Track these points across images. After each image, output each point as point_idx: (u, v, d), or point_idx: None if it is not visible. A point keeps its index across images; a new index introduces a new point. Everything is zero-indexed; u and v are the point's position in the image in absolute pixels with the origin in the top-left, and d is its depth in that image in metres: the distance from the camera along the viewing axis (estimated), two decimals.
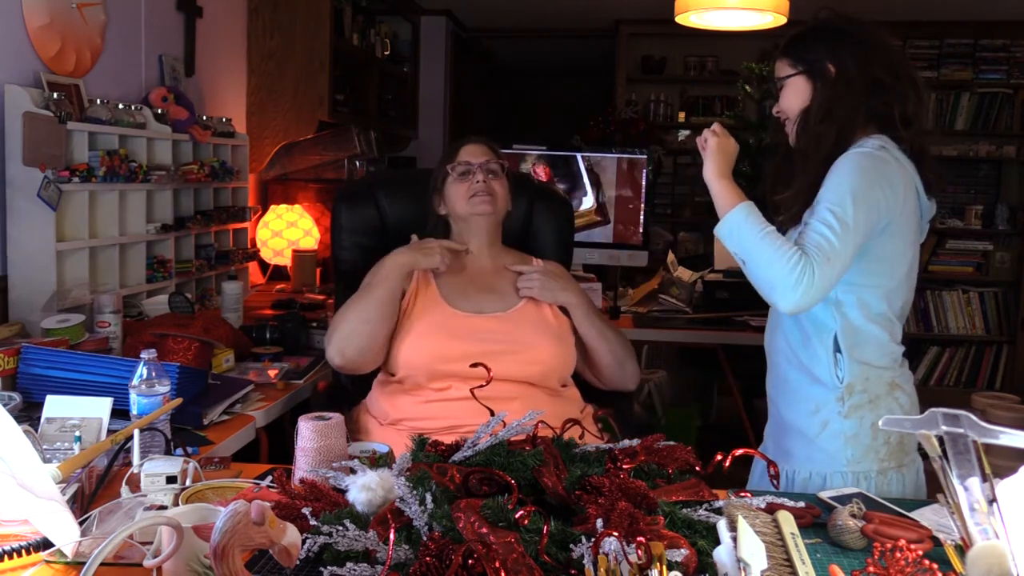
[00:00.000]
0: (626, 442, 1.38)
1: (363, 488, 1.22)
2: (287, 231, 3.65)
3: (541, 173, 3.46)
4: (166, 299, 2.61)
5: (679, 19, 3.37)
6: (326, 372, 2.35)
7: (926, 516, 1.34)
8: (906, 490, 1.73)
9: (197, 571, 1.01)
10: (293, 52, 3.84)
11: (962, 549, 1.10)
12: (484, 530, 1.07)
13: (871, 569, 1.00)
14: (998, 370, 5.85)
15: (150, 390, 1.55)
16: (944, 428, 1.15)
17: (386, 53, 5.11)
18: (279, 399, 2.12)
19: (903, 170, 1.68)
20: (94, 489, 1.38)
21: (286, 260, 3.63)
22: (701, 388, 4.62)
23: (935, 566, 1.00)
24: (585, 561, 1.05)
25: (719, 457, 1.30)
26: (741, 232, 1.65)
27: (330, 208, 2.51)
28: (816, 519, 1.32)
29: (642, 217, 3.47)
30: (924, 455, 1.42)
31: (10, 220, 2.26)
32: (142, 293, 2.69)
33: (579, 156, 3.49)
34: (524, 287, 1.96)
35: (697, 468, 1.35)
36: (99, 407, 1.58)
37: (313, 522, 1.17)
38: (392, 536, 1.05)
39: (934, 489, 1.25)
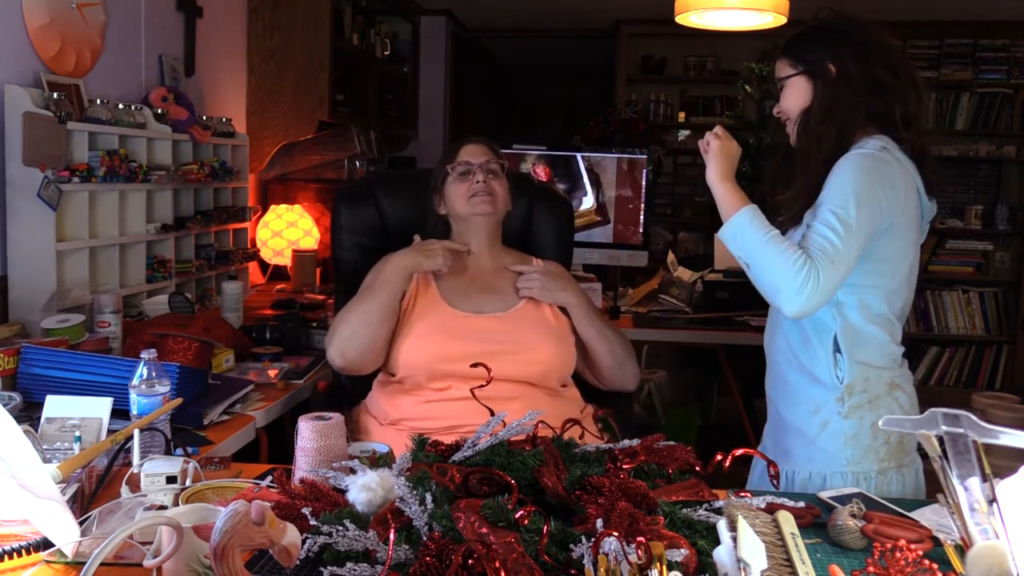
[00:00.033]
0: (626, 442, 1.38)
1: (363, 488, 1.22)
2: (287, 231, 3.65)
3: (541, 173, 3.46)
4: (166, 299, 2.61)
5: (679, 19, 3.37)
6: (326, 372, 2.35)
7: (926, 516, 1.34)
8: (906, 490, 1.73)
9: (197, 571, 1.01)
10: (293, 52, 3.84)
11: (962, 549, 1.10)
12: (484, 530, 1.07)
13: (871, 569, 1.00)
14: (998, 370, 5.85)
15: (150, 390, 1.55)
16: (944, 428, 1.15)
17: (386, 53, 5.11)
18: (279, 399, 2.12)
19: (904, 171, 1.68)
20: (94, 489, 1.38)
21: (286, 260, 3.63)
22: (701, 388, 4.62)
23: (935, 566, 1.00)
24: (585, 561, 1.05)
25: (719, 457, 1.30)
26: (745, 236, 1.64)
27: (330, 208, 2.51)
28: (816, 519, 1.32)
29: (642, 217, 3.47)
30: (924, 455, 1.42)
31: (10, 220, 2.26)
32: (142, 293, 2.69)
33: (579, 156, 3.49)
34: (524, 287, 1.96)
35: (697, 468, 1.35)
36: (99, 407, 1.58)
37: (313, 522, 1.17)
38: (392, 536, 1.05)
39: (934, 489, 1.25)
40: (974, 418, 1.14)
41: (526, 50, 7.71)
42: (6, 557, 1.14)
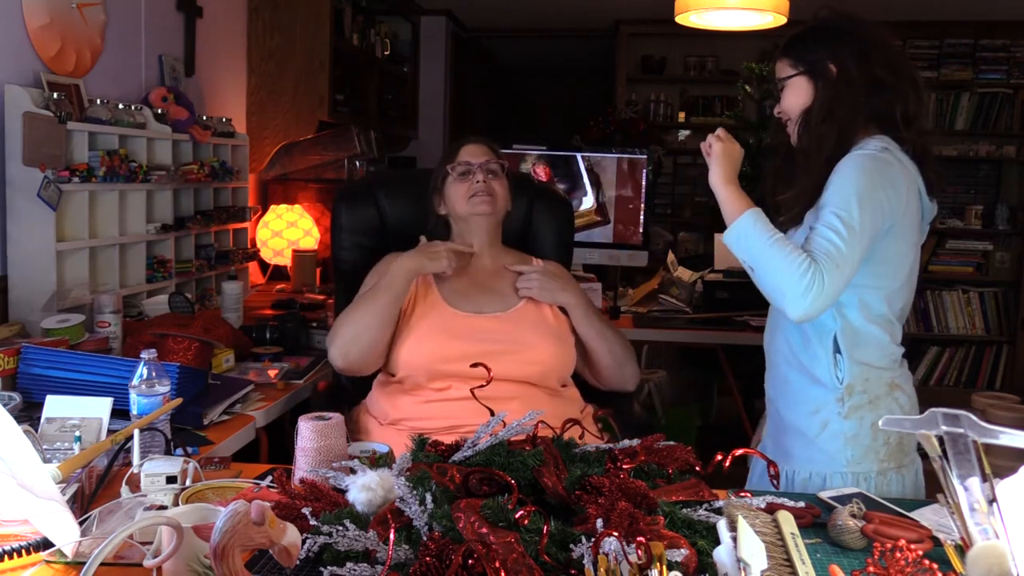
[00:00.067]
0: (626, 442, 1.38)
1: (363, 488, 1.22)
2: (287, 231, 3.65)
3: (541, 173, 3.46)
4: (166, 299, 2.61)
5: (679, 19, 3.37)
6: (326, 372, 2.35)
7: (926, 516, 1.34)
8: (906, 490, 1.72)
9: (197, 571, 1.01)
10: (293, 52, 3.84)
11: (962, 549, 1.10)
12: (484, 530, 1.07)
13: (871, 569, 1.00)
14: (998, 370, 5.85)
15: (150, 390, 1.55)
16: (944, 428, 1.15)
17: (386, 53, 5.11)
18: (279, 399, 2.12)
19: (906, 171, 1.68)
20: (94, 489, 1.38)
21: (286, 260, 3.63)
22: (701, 388, 4.63)
23: (935, 566, 1.00)
24: (585, 561, 1.05)
25: (719, 457, 1.30)
26: (749, 239, 1.64)
27: (330, 208, 2.51)
28: (816, 519, 1.32)
29: (642, 217, 3.47)
30: (924, 455, 1.42)
31: (10, 220, 2.26)
32: (142, 293, 2.69)
33: (579, 156, 3.49)
34: (523, 287, 1.96)
35: (697, 468, 1.35)
36: (99, 407, 1.58)
37: (313, 522, 1.17)
38: (392, 536, 1.05)
39: (934, 489, 1.25)
40: (974, 418, 1.14)
41: (526, 50, 7.71)
42: (6, 557, 1.14)
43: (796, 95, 1.75)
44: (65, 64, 2.47)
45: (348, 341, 1.86)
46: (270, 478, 1.33)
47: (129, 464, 1.42)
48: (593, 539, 1.05)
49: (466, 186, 1.97)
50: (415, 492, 1.18)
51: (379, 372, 1.95)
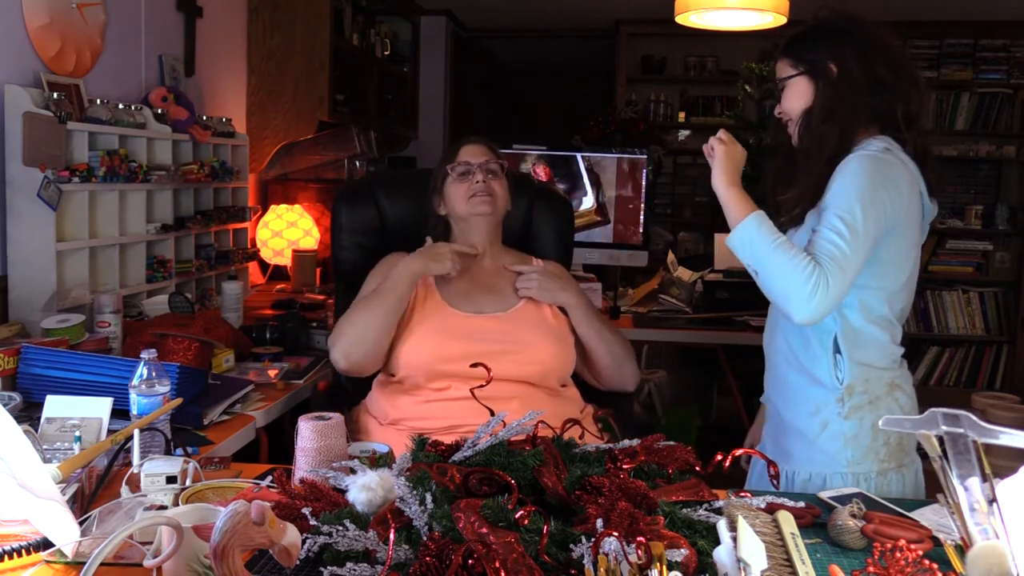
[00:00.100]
0: (626, 442, 1.38)
1: (363, 488, 1.22)
2: (287, 231, 3.65)
3: (541, 173, 3.46)
4: (166, 299, 2.61)
5: (679, 19, 3.37)
6: (326, 372, 2.35)
7: (926, 516, 1.34)
8: (906, 490, 1.72)
9: (197, 571, 1.01)
10: (293, 52, 3.84)
11: (962, 549, 1.10)
12: (484, 530, 1.07)
13: (871, 569, 1.00)
14: (998, 370, 5.85)
15: (150, 390, 1.55)
16: (944, 428, 1.15)
17: (386, 53, 5.11)
18: (279, 399, 2.12)
19: (908, 172, 1.67)
20: (94, 489, 1.38)
21: (286, 260, 3.63)
22: (701, 388, 4.63)
23: (935, 566, 1.00)
24: (585, 561, 1.05)
25: (719, 457, 1.30)
26: (753, 243, 1.63)
27: (330, 208, 2.51)
28: (816, 519, 1.32)
29: (642, 217, 3.47)
30: (923, 455, 1.42)
31: (10, 220, 2.26)
32: (142, 293, 2.69)
33: (579, 156, 3.49)
34: (522, 287, 1.96)
35: (697, 468, 1.35)
36: (99, 407, 1.58)
37: (313, 522, 1.17)
38: (392, 536, 1.05)
39: (934, 489, 1.25)
40: (974, 418, 1.14)
41: (526, 50, 7.71)
42: (6, 557, 1.14)
43: (797, 95, 1.75)
44: (65, 64, 2.47)
45: (351, 342, 1.86)
46: (270, 478, 1.33)
47: (129, 464, 1.42)
48: (593, 539, 1.05)
49: (466, 186, 1.97)
50: (415, 492, 1.18)
51: (379, 372, 1.95)
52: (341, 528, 1.12)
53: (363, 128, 4.06)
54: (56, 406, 1.57)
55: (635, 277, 4.31)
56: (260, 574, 1.12)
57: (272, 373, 2.27)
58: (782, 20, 3.24)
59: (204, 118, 3.06)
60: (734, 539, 1.01)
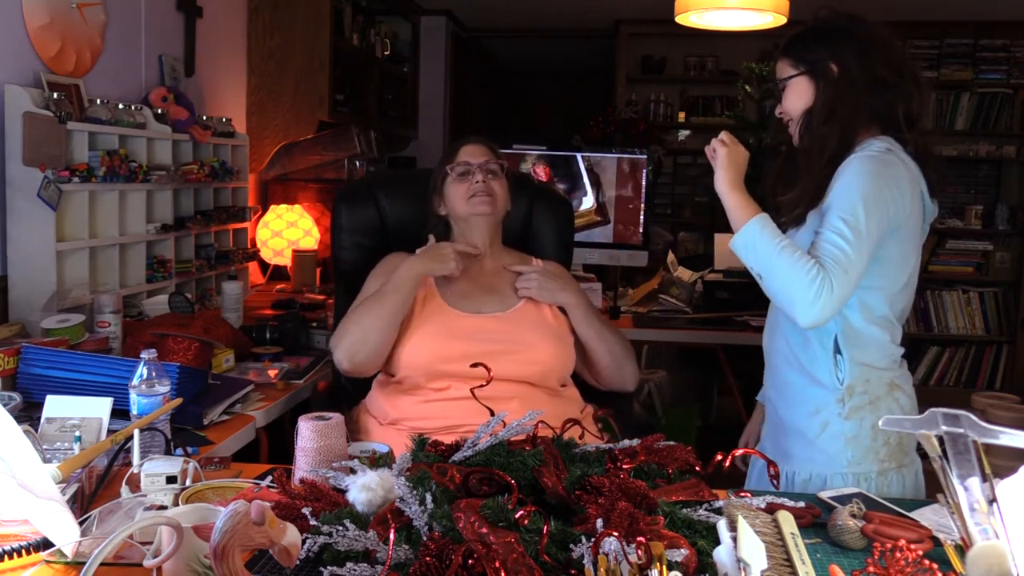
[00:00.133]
0: (626, 442, 1.38)
1: (363, 488, 1.22)
2: (287, 231, 3.65)
3: (541, 173, 3.46)
4: (166, 299, 2.61)
5: (679, 19, 3.37)
6: (326, 372, 2.35)
7: (926, 516, 1.34)
8: (906, 491, 1.72)
9: (197, 571, 1.01)
10: (293, 52, 3.84)
11: (962, 549, 1.10)
12: (484, 530, 1.07)
13: (871, 569, 1.00)
14: (998, 370, 5.85)
15: (150, 390, 1.55)
16: (944, 428, 1.15)
17: (386, 53, 5.11)
18: (279, 399, 2.12)
19: (909, 172, 1.66)
20: (94, 489, 1.38)
21: (286, 260, 3.63)
22: (701, 388, 4.63)
23: (935, 566, 1.00)
24: (585, 561, 1.05)
25: (719, 457, 1.30)
26: (757, 247, 1.62)
27: (330, 208, 2.51)
28: (816, 519, 1.32)
29: (642, 217, 3.47)
30: (923, 455, 1.42)
31: (10, 220, 2.26)
32: (142, 293, 2.69)
33: (579, 156, 3.49)
34: (522, 287, 1.96)
35: (697, 468, 1.35)
36: (99, 407, 1.58)
37: (313, 522, 1.17)
38: (392, 536, 1.05)
39: (934, 489, 1.25)
40: (974, 418, 1.14)
41: (526, 50, 7.71)
42: (6, 557, 1.14)
43: (797, 95, 1.74)
44: (65, 64, 2.47)
45: (355, 343, 1.85)
46: (270, 478, 1.33)
47: (129, 464, 1.42)
48: (593, 539, 1.05)
49: (465, 186, 1.97)
50: (415, 492, 1.18)
51: (378, 372, 1.95)
52: (341, 528, 1.12)
53: (363, 128, 4.06)
54: (56, 406, 1.57)
55: (635, 277, 4.31)
56: (260, 574, 1.12)
57: (272, 373, 2.27)
58: (782, 20, 3.24)
59: (204, 118, 3.06)
60: (734, 539, 1.01)
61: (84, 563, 0.93)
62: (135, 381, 1.55)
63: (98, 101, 2.49)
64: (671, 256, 3.80)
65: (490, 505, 1.13)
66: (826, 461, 1.72)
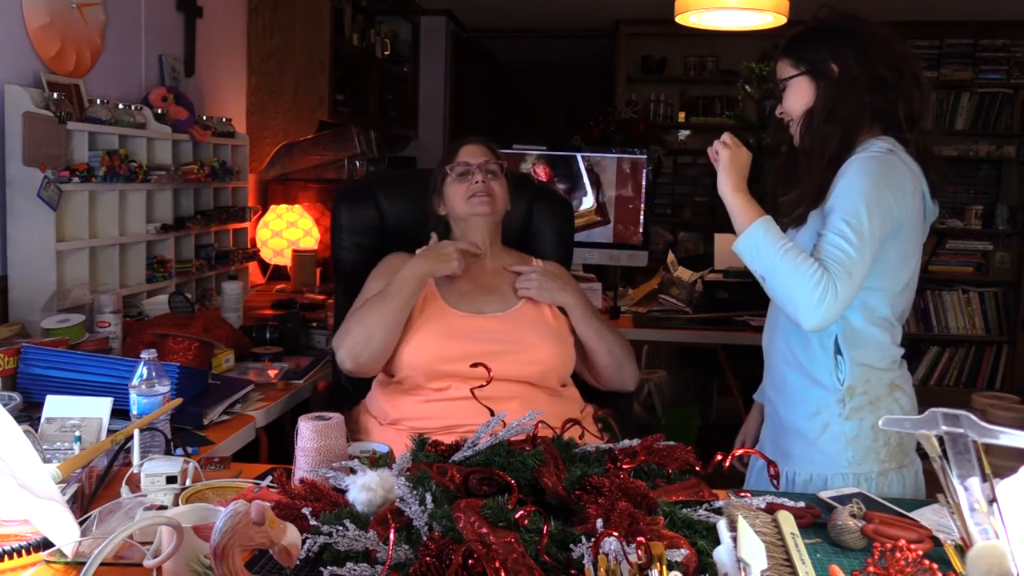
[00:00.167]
0: (626, 442, 1.38)
1: (363, 488, 1.22)
2: (287, 231, 3.65)
3: (541, 173, 3.46)
4: (166, 299, 2.61)
5: (679, 19, 3.37)
6: (326, 372, 2.35)
7: (926, 516, 1.34)
8: (906, 491, 1.72)
9: (197, 571, 1.01)
10: (293, 52, 3.84)
11: (962, 549, 1.10)
12: (484, 530, 1.07)
13: (871, 569, 1.00)
14: (998, 370, 5.85)
15: (150, 390, 1.55)
16: (944, 428, 1.15)
17: (386, 53, 5.11)
18: (279, 399, 2.12)
19: (911, 173, 1.66)
20: (94, 489, 1.38)
21: (286, 260, 3.63)
22: (701, 388, 4.63)
23: (935, 566, 1.00)
24: (585, 561, 1.05)
25: (719, 457, 1.30)
26: (760, 249, 1.62)
27: (330, 208, 2.51)
28: (816, 519, 1.32)
29: (642, 217, 3.47)
30: (923, 455, 1.42)
31: (10, 220, 2.26)
32: (142, 293, 2.69)
33: (579, 156, 3.49)
34: (522, 287, 1.96)
35: (697, 468, 1.35)
36: (99, 407, 1.58)
37: (313, 522, 1.17)
38: (392, 536, 1.06)
39: (934, 489, 1.25)
40: (974, 418, 1.14)
41: (526, 50, 7.71)
42: (6, 557, 1.14)
43: (798, 95, 1.74)
44: (65, 64, 2.47)
45: (358, 343, 1.85)
46: (270, 478, 1.33)
47: (129, 464, 1.42)
48: (593, 539, 1.05)
49: (465, 186, 1.97)
50: (415, 492, 1.18)
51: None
52: (341, 528, 1.12)
53: (363, 128, 4.06)
54: (56, 406, 1.58)
55: (635, 277, 4.31)
56: (260, 574, 1.12)
57: (272, 373, 2.27)
58: (782, 20, 3.24)
59: (204, 118, 3.06)
60: (734, 539, 1.01)
61: (84, 563, 0.93)
62: (135, 381, 1.55)
63: (98, 101, 2.49)
64: (671, 256, 3.81)
65: (490, 505, 1.13)
66: (826, 462, 1.72)
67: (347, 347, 1.86)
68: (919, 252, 1.75)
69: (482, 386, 1.48)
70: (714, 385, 4.62)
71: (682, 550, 1.07)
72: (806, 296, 1.56)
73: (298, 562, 1.06)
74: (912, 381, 1.80)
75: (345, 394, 2.09)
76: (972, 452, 1.12)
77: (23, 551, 1.15)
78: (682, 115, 6.36)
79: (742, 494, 1.31)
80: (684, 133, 6.41)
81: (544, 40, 6.94)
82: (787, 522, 1.16)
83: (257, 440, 2.02)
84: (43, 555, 1.17)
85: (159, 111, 2.79)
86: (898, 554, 1.00)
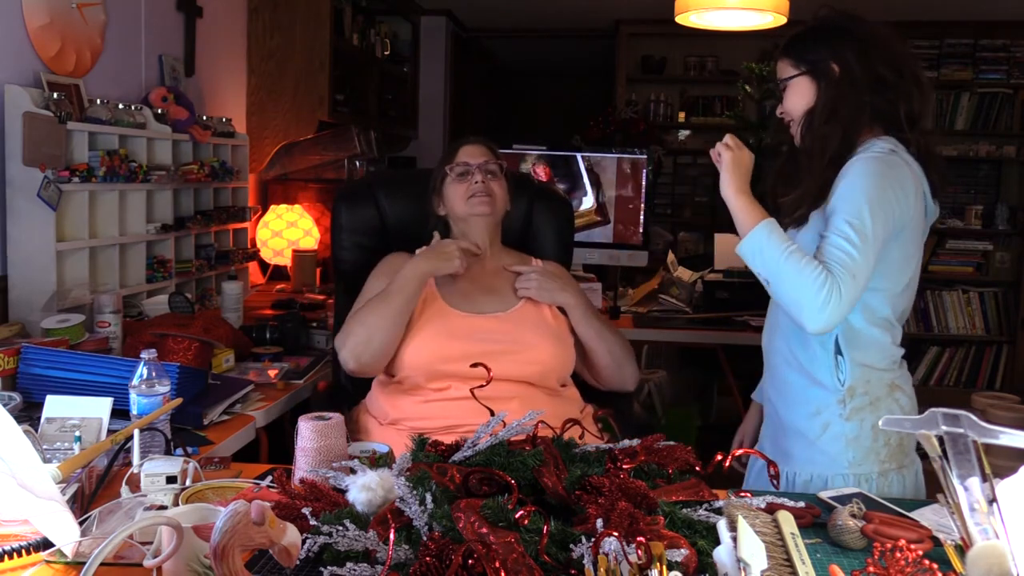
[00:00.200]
0: (626, 442, 1.38)
1: (363, 488, 1.22)
2: (287, 231, 3.65)
3: (541, 173, 3.46)
4: (166, 299, 2.61)
5: (679, 19, 3.37)
6: (326, 372, 2.35)
7: (926, 516, 1.34)
8: (906, 491, 1.72)
9: (197, 571, 1.01)
10: (293, 52, 3.84)
11: (962, 549, 1.10)
12: (484, 530, 1.07)
13: (871, 569, 1.00)
14: (998, 370, 5.85)
15: (150, 390, 1.55)
16: (944, 428, 1.15)
17: (386, 53, 5.11)
18: (279, 399, 2.12)
19: (913, 174, 1.66)
20: (94, 489, 1.38)
21: (286, 260, 3.63)
22: (701, 388, 4.62)
23: (935, 566, 1.00)
24: (585, 561, 1.05)
25: (719, 457, 1.30)
26: (764, 252, 1.61)
27: (330, 208, 2.51)
28: (816, 519, 1.32)
29: (642, 217, 3.47)
30: (923, 456, 1.42)
31: (10, 220, 2.26)
32: (142, 293, 2.69)
33: (579, 156, 3.49)
34: (522, 287, 1.96)
35: (697, 468, 1.35)
36: (99, 407, 1.58)
37: (313, 522, 1.17)
38: (392, 536, 1.06)
39: (934, 489, 1.25)
40: (974, 418, 1.14)
41: (526, 50, 7.71)
42: (6, 557, 1.14)
43: (799, 96, 1.73)
44: (65, 64, 2.47)
45: (360, 343, 1.85)
46: (270, 478, 1.33)
47: (129, 464, 1.42)
48: (593, 539, 1.05)
49: (464, 187, 1.97)
50: (415, 492, 1.18)
51: None
52: (341, 528, 1.12)
53: (363, 128, 4.06)
54: (56, 406, 1.57)
55: (635, 277, 4.31)
56: (260, 574, 1.12)
57: (272, 373, 2.27)
58: (782, 20, 3.24)
59: (204, 118, 3.06)
60: (734, 539, 1.01)
61: (84, 563, 0.93)
62: (135, 381, 1.55)
63: (98, 101, 2.49)
64: (671, 256, 3.81)
65: (490, 505, 1.13)
66: (827, 462, 1.71)
67: (349, 348, 1.86)
68: (920, 253, 1.74)
69: (482, 386, 1.48)
70: (714, 385, 4.62)
71: (682, 550, 1.07)
72: (811, 299, 1.55)
73: (298, 562, 1.06)
74: (912, 381, 1.80)
75: (345, 394, 2.09)
76: (972, 452, 1.12)
77: (23, 551, 1.16)
78: (682, 115, 6.35)
79: (742, 494, 1.31)
80: (684, 133, 6.41)
81: (544, 40, 6.94)
82: (787, 522, 1.16)
83: (257, 440, 2.02)
84: (43, 555, 1.17)
85: (159, 111, 2.79)
86: (898, 554, 1.00)
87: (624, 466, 1.31)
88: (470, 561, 1.01)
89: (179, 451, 1.55)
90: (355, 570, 1.06)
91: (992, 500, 1.08)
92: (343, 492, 1.25)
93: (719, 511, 1.21)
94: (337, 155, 3.84)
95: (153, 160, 2.75)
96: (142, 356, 1.57)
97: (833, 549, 1.24)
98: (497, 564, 1.00)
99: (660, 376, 4.29)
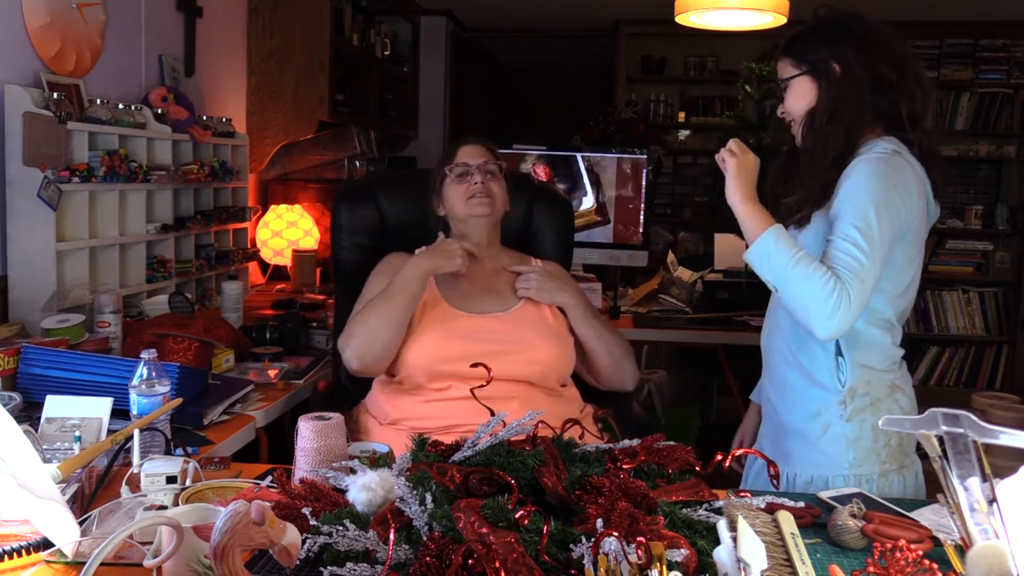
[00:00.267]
0: (626, 442, 1.38)
1: (363, 488, 1.22)
2: (287, 231, 3.65)
3: (541, 173, 3.46)
4: (166, 299, 2.61)
5: (679, 19, 3.37)
6: (326, 372, 2.35)
7: (926, 516, 1.34)
8: (907, 491, 1.72)
9: (197, 571, 1.01)
10: (293, 52, 3.84)
11: (962, 549, 1.10)
12: (484, 530, 1.07)
13: (871, 569, 1.00)
14: (998, 370, 5.85)
15: (150, 390, 1.55)
16: (944, 428, 1.15)
17: (386, 53, 5.11)
18: (279, 399, 2.12)
19: (916, 175, 1.65)
20: (94, 489, 1.38)
21: (286, 260, 3.63)
22: (701, 388, 4.62)
23: (935, 566, 1.00)
24: (585, 561, 1.05)
25: (719, 457, 1.30)
26: (772, 259, 1.60)
27: (330, 208, 2.51)
28: (816, 519, 1.32)
29: (642, 217, 3.47)
30: (923, 456, 1.42)
31: (10, 220, 2.26)
32: (142, 293, 2.69)
33: (579, 156, 3.49)
34: (521, 287, 1.96)
35: (697, 468, 1.35)
36: (99, 407, 1.58)
37: (313, 522, 1.17)
38: (392, 536, 1.06)
39: (934, 489, 1.25)
40: (974, 418, 1.14)
41: (526, 50, 7.71)
42: (6, 557, 1.14)
43: (799, 95, 1.73)
44: (65, 64, 2.47)
45: (363, 344, 1.85)
46: (270, 478, 1.33)
47: (129, 464, 1.42)
48: (593, 539, 1.05)
49: (464, 187, 1.97)
50: (415, 492, 1.18)
51: None
52: (341, 528, 1.12)
53: (363, 128, 4.06)
54: (56, 406, 1.57)
55: (635, 277, 4.31)
56: (260, 574, 1.12)
57: (272, 373, 2.27)
58: (782, 20, 3.24)
59: (204, 118, 3.06)
60: (734, 539, 1.01)
61: (84, 563, 0.93)
62: (135, 381, 1.55)
63: (98, 101, 2.49)
64: (671, 256, 3.80)
65: (490, 505, 1.13)
66: (827, 463, 1.71)
67: (352, 348, 1.85)
68: (922, 254, 1.74)
69: (482, 386, 1.48)
70: (714, 385, 4.62)
71: (682, 550, 1.07)
72: (820, 306, 1.55)
73: (298, 562, 1.06)
74: (912, 381, 1.80)
75: (345, 394, 2.09)
76: (972, 452, 1.12)
77: (23, 551, 1.16)
78: (682, 115, 6.35)
79: (742, 494, 1.31)
80: (684, 133, 6.41)
81: (544, 40, 6.94)
82: (787, 522, 1.16)
83: (257, 440, 2.02)
84: (43, 555, 1.17)
85: (159, 111, 2.79)
86: (898, 554, 1.00)
87: (624, 466, 1.31)
88: (470, 561, 1.01)
89: (179, 451, 1.55)
90: (355, 570, 1.06)
91: (992, 500, 1.08)
92: (343, 492, 1.25)
93: (719, 511, 1.21)
94: (337, 155, 3.84)
95: (153, 160, 2.75)
96: (142, 356, 1.57)
97: (833, 549, 1.24)
98: (497, 564, 1.00)
99: (660, 376, 4.29)
